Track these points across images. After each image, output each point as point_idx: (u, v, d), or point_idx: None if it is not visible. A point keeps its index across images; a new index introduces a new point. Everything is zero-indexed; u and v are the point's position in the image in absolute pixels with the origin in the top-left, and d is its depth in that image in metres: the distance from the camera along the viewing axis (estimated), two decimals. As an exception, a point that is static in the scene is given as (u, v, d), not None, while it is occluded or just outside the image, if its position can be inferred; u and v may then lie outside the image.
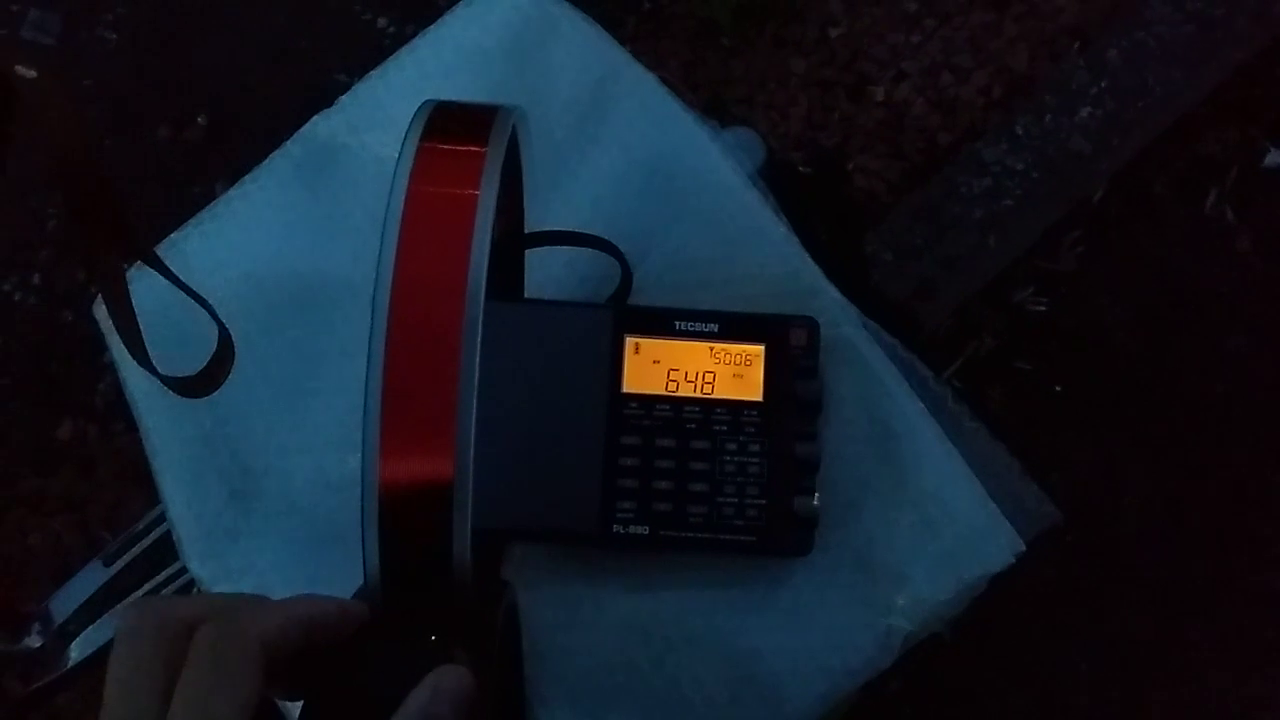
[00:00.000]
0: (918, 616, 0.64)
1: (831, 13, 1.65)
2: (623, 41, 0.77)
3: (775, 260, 0.70)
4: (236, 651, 0.37)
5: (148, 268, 0.62)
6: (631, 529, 0.63)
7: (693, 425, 0.63)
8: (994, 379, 1.50)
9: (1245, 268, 1.50)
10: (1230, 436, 1.44)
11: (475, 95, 0.49)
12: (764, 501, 0.63)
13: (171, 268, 0.61)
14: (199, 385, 0.60)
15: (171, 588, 0.90)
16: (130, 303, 0.58)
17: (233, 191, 0.79)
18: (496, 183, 0.44)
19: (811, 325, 0.65)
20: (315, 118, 0.79)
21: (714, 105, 1.62)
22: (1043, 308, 1.51)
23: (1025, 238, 1.52)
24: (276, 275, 0.75)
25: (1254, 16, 1.53)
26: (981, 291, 1.52)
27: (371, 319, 0.41)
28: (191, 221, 0.78)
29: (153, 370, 0.59)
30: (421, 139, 0.45)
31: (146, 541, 0.94)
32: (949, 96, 1.60)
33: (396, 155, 0.44)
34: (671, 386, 0.64)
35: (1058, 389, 1.49)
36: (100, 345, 0.76)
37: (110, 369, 1.62)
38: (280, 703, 0.53)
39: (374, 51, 0.81)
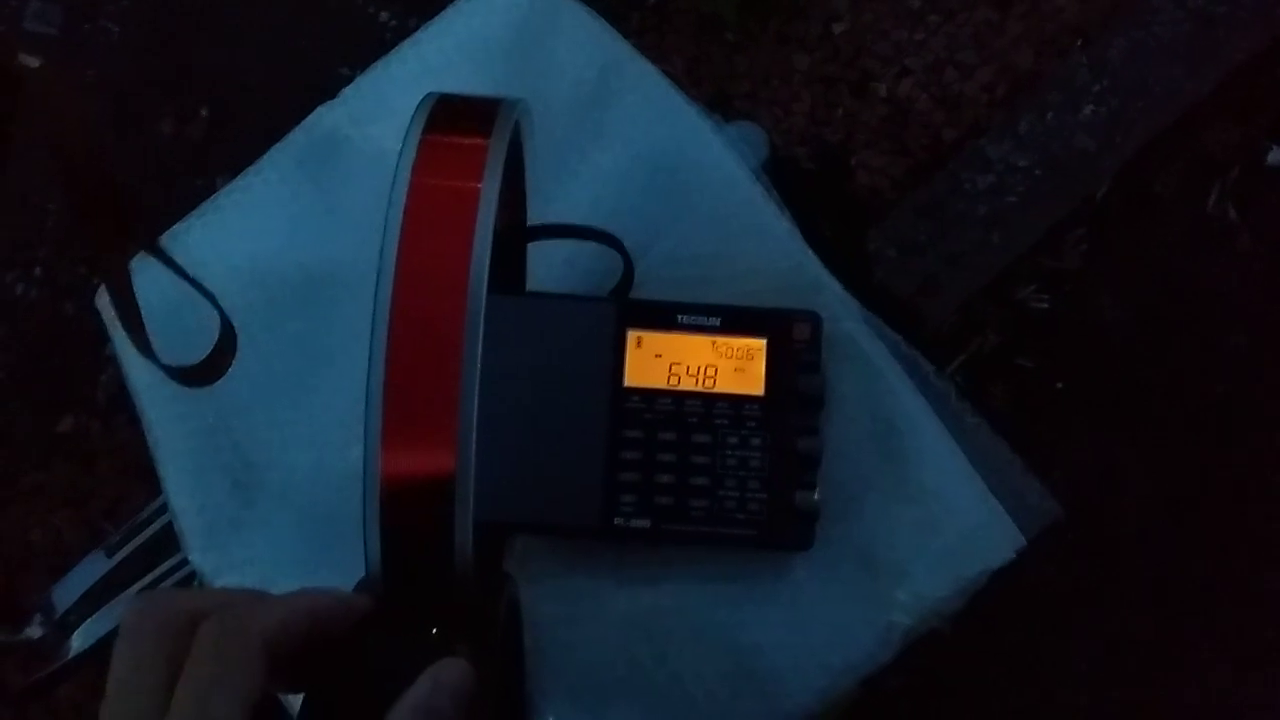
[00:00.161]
0: (918, 612, 0.64)
1: (835, 9, 1.65)
2: (626, 36, 0.77)
3: (778, 255, 0.70)
4: (239, 647, 0.37)
5: (150, 261, 0.62)
6: (633, 522, 0.63)
7: (694, 419, 0.63)
8: (996, 376, 1.50)
9: (1247, 266, 1.50)
10: (1231, 435, 1.44)
11: (478, 88, 0.49)
12: (765, 496, 0.63)
13: (174, 258, 0.61)
14: (201, 375, 0.60)
15: (173, 579, 0.90)
16: (133, 292, 0.58)
17: (235, 183, 0.78)
18: (499, 175, 0.44)
19: (814, 320, 0.65)
20: (318, 109, 0.79)
21: (718, 101, 1.62)
22: (1045, 305, 1.51)
23: (1029, 235, 1.52)
24: (278, 267, 0.75)
25: (1255, 14, 1.53)
26: (984, 288, 1.52)
27: (373, 311, 0.41)
28: (194, 213, 0.78)
29: (155, 360, 0.59)
30: (424, 131, 0.45)
31: (148, 532, 0.93)
32: (953, 93, 1.60)
33: (399, 147, 0.44)
34: (673, 380, 0.64)
35: (1059, 386, 1.49)
36: (102, 338, 0.76)
37: (112, 362, 1.62)
38: (282, 696, 0.53)
39: (376, 45, 0.81)
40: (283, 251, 0.76)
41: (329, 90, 0.80)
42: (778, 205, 0.72)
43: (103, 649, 0.95)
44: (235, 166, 0.80)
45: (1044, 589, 1.38)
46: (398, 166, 0.43)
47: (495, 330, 0.41)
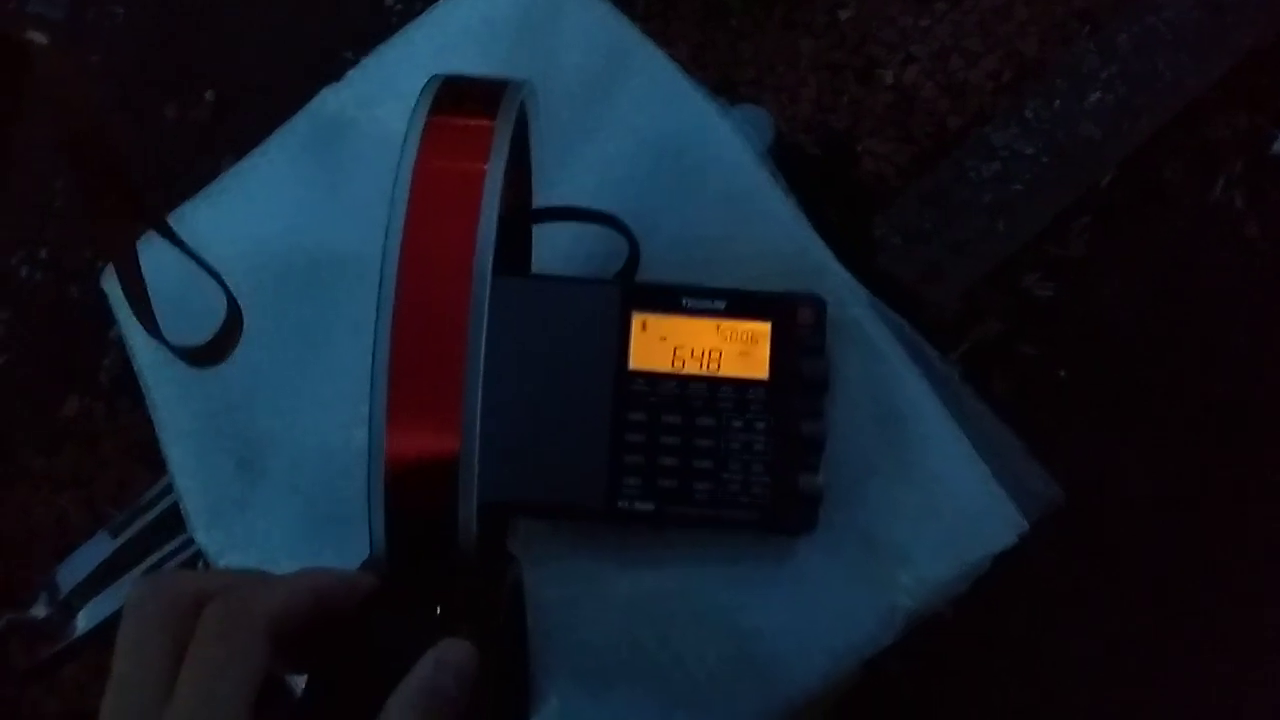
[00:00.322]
0: (921, 595, 0.64)
1: (841, -5, 1.65)
2: (631, 21, 0.77)
3: (783, 238, 0.70)
4: (244, 628, 0.37)
5: (155, 242, 0.62)
6: (637, 505, 0.63)
7: (699, 402, 0.63)
8: (999, 364, 1.49)
9: (1253, 254, 1.49)
10: (1235, 425, 1.44)
11: (484, 70, 0.48)
12: (769, 479, 0.63)
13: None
14: (207, 354, 0.60)
15: (177, 560, 0.91)
16: (140, 271, 0.58)
17: (241, 164, 0.78)
18: (505, 157, 0.44)
19: (819, 304, 0.65)
20: (323, 91, 0.79)
21: (723, 87, 1.62)
22: (1049, 293, 1.51)
23: (1034, 223, 1.52)
24: (284, 248, 0.75)
25: (1264, 2, 1.53)
26: (988, 276, 1.52)
27: (379, 292, 0.41)
28: (199, 194, 0.78)
29: (161, 339, 0.59)
30: (430, 113, 0.45)
31: (153, 513, 0.94)
32: (958, 80, 1.59)
33: (404, 129, 0.44)
34: (678, 363, 0.64)
35: (1062, 374, 1.49)
36: (107, 321, 0.76)
37: (116, 345, 1.62)
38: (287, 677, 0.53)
39: (382, 29, 0.81)
40: (288, 233, 0.76)
41: (334, 75, 0.80)
42: (783, 189, 0.72)
43: (107, 629, 0.95)
44: (239, 151, 0.80)
45: (1045, 576, 1.38)
46: (403, 148, 0.43)
47: (500, 312, 0.41)
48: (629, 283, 0.69)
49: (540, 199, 0.65)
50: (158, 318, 0.60)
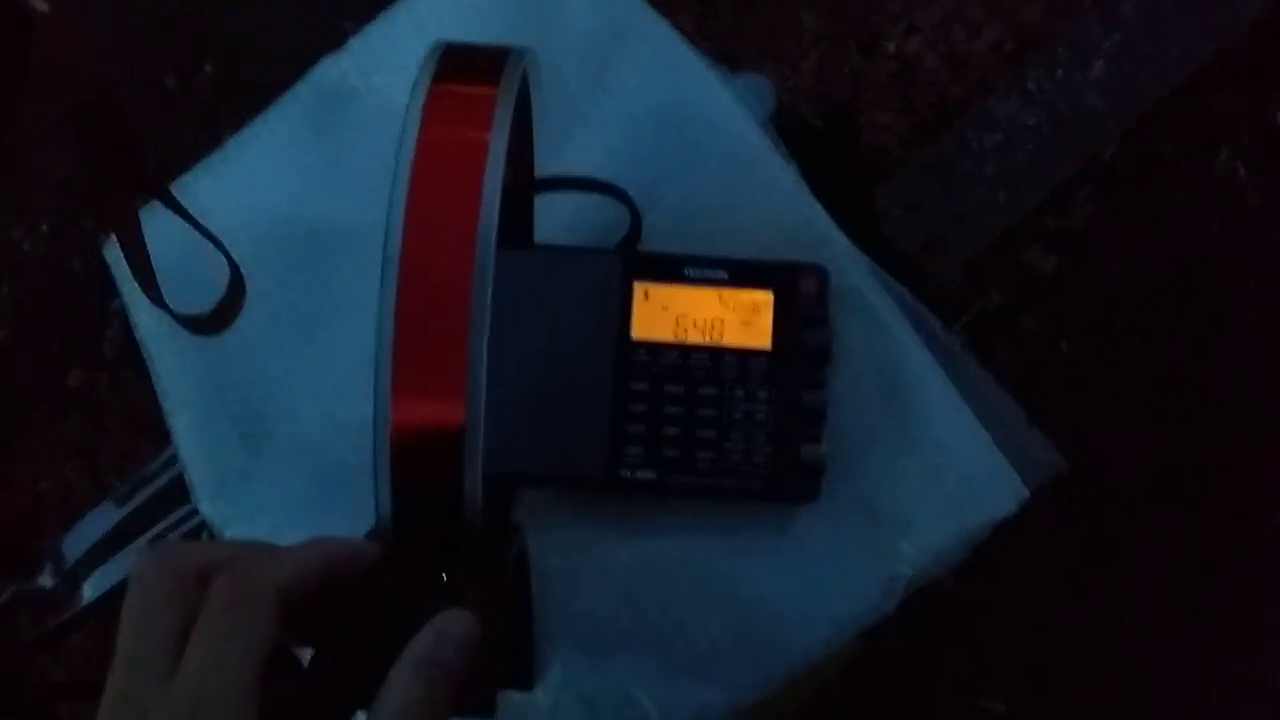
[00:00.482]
0: (922, 563, 0.64)
1: (843, -35, 1.63)
2: (633, -10, 0.76)
3: (785, 208, 0.70)
4: (252, 599, 0.38)
5: (157, 212, 0.62)
6: (639, 474, 0.63)
7: (701, 372, 0.64)
8: (1000, 336, 1.49)
9: (1255, 225, 1.49)
10: (1237, 397, 1.44)
11: (486, 38, 0.48)
12: (771, 449, 0.63)
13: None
14: (210, 323, 0.61)
15: (182, 530, 0.91)
16: (143, 239, 0.58)
17: (242, 134, 0.78)
18: (508, 126, 0.44)
19: (821, 273, 0.65)
20: (323, 60, 0.78)
21: (725, 58, 1.61)
22: (1051, 265, 1.51)
23: (1036, 194, 1.51)
24: (286, 218, 0.75)
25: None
26: (990, 248, 1.51)
27: (382, 262, 0.41)
28: (200, 164, 0.78)
29: (165, 307, 0.59)
30: (432, 81, 0.45)
31: (159, 483, 0.94)
32: (961, 51, 1.58)
33: (406, 98, 0.44)
34: (680, 333, 0.64)
35: (1063, 347, 1.49)
36: (109, 293, 0.77)
37: (119, 316, 1.62)
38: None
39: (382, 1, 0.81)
40: (289, 203, 0.76)
41: (335, 45, 0.79)
42: (785, 158, 0.72)
43: (113, 599, 0.96)
44: (239, 123, 0.80)
45: (1045, 548, 1.39)
46: (406, 116, 0.43)
47: (502, 283, 0.41)
48: (631, 252, 0.69)
49: (542, 168, 0.64)
50: (160, 287, 0.60)
